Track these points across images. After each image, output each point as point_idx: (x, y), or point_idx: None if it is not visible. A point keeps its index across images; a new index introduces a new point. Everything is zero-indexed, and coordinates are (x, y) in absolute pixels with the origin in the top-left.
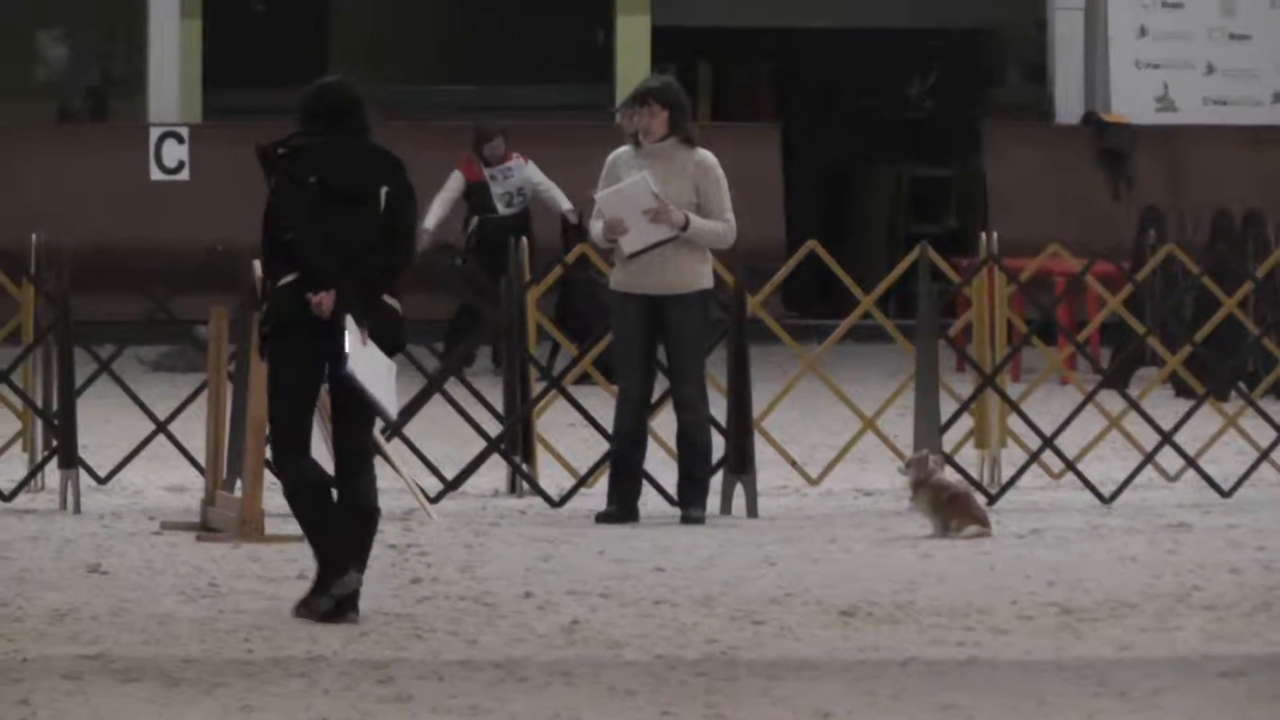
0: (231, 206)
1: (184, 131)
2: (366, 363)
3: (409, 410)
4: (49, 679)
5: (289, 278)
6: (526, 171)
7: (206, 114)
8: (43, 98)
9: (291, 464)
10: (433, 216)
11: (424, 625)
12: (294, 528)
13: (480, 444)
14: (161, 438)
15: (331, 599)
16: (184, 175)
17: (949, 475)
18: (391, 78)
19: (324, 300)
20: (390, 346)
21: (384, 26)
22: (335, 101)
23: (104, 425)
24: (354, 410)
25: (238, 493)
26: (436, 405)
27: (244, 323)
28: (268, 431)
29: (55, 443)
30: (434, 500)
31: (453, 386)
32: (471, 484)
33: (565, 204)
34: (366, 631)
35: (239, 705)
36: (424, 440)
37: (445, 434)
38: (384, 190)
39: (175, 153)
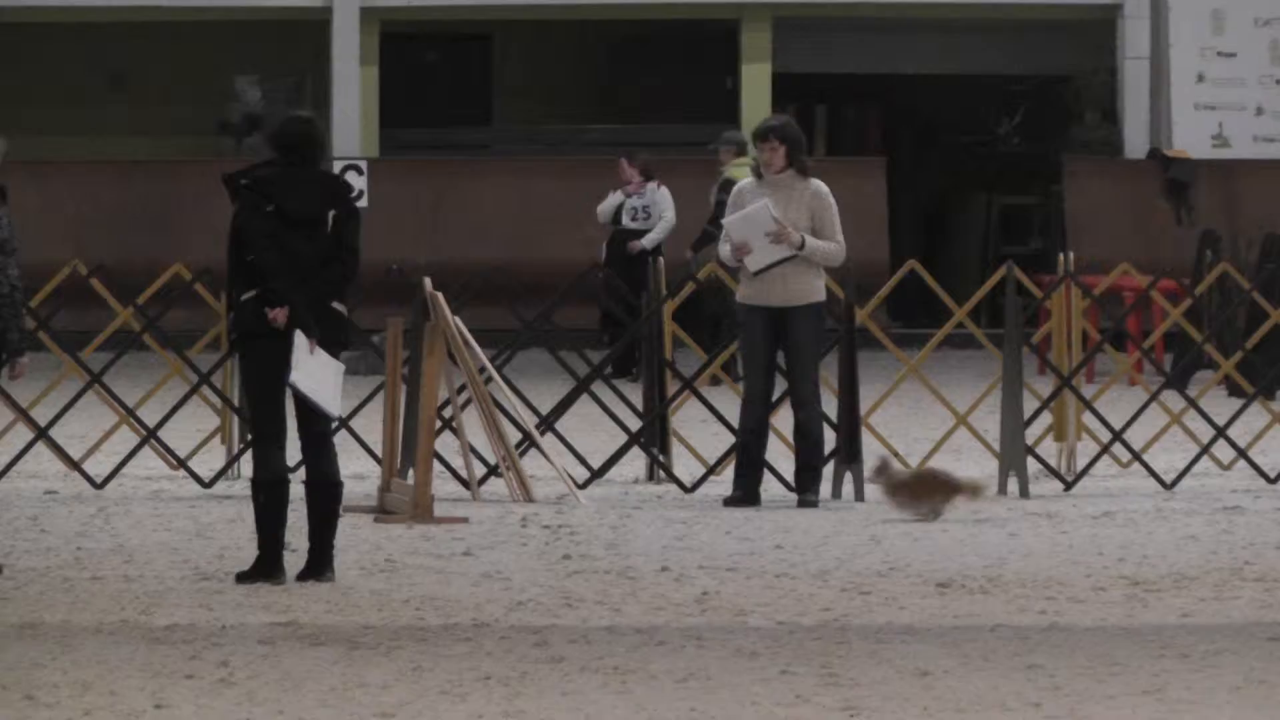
0: (405, 231)
1: (363, 164)
2: (313, 369)
3: (560, 408)
4: (246, 644)
5: (250, 294)
6: (656, 195)
7: (383, 149)
8: (239, 134)
9: (265, 456)
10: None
11: (574, 596)
12: (461, 510)
13: (623, 438)
14: (344, 431)
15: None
16: (363, 203)
17: (906, 467)
18: (546, 117)
19: (278, 315)
20: (338, 347)
21: (539, 72)
22: (294, 136)
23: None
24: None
25: (410, 480)
26: (585, 404)
27: (416, 332)
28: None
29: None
30: (582, 487)
31: (599, 387)
32: (615, 473)
33: (649, 239)
34: (524, 601)
35: (412, 666)
36: (574, 434)
37: (592, 429)
38: (332, 213)
39: (355, 183)
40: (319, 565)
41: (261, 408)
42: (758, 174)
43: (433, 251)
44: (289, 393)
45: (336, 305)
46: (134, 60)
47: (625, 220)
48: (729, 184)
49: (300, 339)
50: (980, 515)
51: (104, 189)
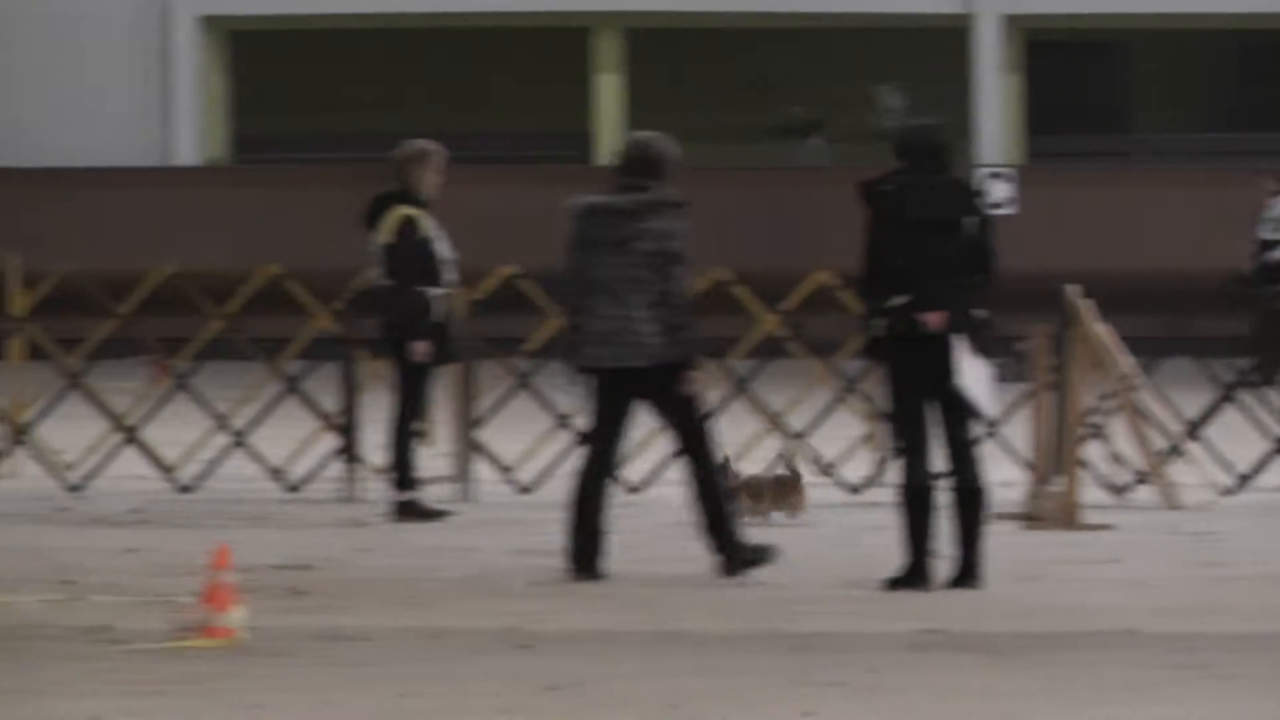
0: (1048, 238)
1: (1007, 171)
2: (971, 373)
3: (1206, 415)
4: (893, 651)
5: (900, 300)
6: None
7: (1032, 157)
8: (798, 137)
9: (911, 463)
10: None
11: (1220, 603)
12: (1108, 517)
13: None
14: (992, 438)
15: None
16: (1008, 210)
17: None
18: (1185, 126)
19: (934, 319)
20: (982, 353)
21: (1178, 81)
22: (925, 143)
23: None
24: (956, 409)
25: (1057, 487)
26: (1231, 412)
27: (1061, 340)
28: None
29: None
30: (1230, 493)
31: (1246, 394)
32: (1264, 480)
33: None
34: (1169, 608)
35: (1056, 673)
36: (1221, 442)
37: (1241, 437)
38: (968, 219)
39: (999, 190)
40: (967, 572)
41: (906, 416)
42: None
43: (1076, 259)
44: (933, 399)
45: (978, 312)
46: (775, 67)
47: (1268, 233)
48: None
49: (958, 342)
50: None
51: (742, 195)
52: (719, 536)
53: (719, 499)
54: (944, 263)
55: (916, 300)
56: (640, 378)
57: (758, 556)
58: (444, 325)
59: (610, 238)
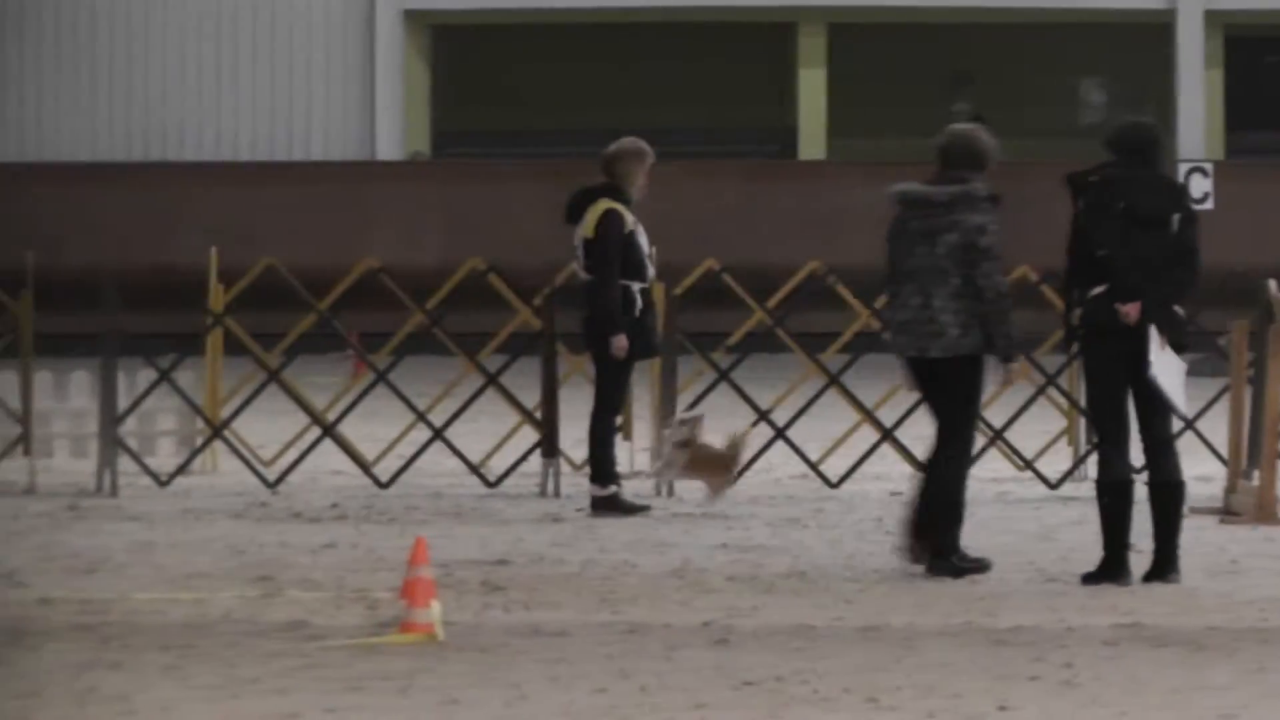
0: (1247, 233)
1: (1208, 167)
2: (1164, 366)
3: None
4: (1090, 645)
5: (1099, 289)
6: None
7: (1228, 153)
8: (1087, 136)
9: (1108, 457)
10: None
11: None
12: None
13: None
14: (1189, 433)
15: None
16: (1208, 205)
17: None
18: None
19: (1131, 310)
20: (1177, 348)
21: None
22: (1137, 139)
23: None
24: (1155, 402)
25: (1255, 482)
26: None
27: (1260, 335)
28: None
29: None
30: None
31: None
32: None
33: None
34: None
35: (1255, 668)
36: None
37: None
38: (1175, 216)
39: (1200, 185)
40: (1164, 566)
41: (1104, 409)
42: None
43: (1274, 253)
44: (1130, 394)
45: (1177, 308)
46: (978, 60)
47: None
48: None
49: (1154, 334)
50: None
51: None
52: (940, 534)
53: (954, 499)
54: (1147, 257)
55: (1114, 290)
56: (937, 367)
57: (974, 567)
58: (644, 320)
59: (921, 229)
